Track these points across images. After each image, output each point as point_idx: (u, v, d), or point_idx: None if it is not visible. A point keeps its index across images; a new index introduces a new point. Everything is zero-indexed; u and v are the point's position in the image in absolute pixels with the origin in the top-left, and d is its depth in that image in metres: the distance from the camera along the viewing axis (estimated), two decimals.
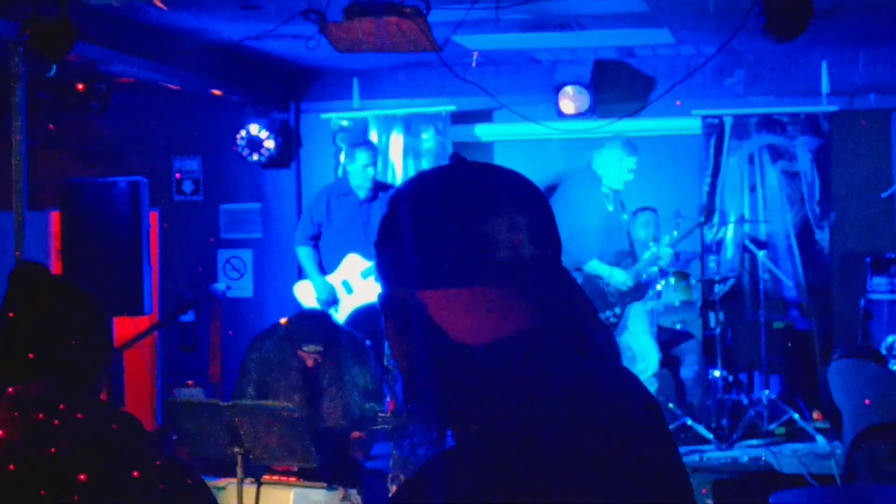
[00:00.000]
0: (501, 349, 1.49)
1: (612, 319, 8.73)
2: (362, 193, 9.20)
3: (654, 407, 1.59)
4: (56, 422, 2.38)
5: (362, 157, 9.24)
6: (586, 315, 1.57)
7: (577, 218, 8.70)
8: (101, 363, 2.59)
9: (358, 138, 10.15)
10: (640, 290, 8.87)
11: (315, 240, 9.37)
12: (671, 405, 9.01)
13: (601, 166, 8.82)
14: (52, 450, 2.34)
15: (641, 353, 8.80)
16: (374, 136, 10.36)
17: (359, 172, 9.21)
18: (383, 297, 1.61)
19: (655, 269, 8.98)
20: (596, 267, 8.72)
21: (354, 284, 9.14)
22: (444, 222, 1.52)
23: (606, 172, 8.81)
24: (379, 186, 9.30)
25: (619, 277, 8.72)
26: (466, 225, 1.51)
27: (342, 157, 10.30)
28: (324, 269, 9.29)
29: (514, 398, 1.48)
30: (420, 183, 1.60)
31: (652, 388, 8.73)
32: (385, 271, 1.60)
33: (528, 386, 1.49)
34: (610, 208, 8.88)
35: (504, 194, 1.55)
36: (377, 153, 9.62)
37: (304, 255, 9.37)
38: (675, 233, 9.03)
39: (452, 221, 1.52)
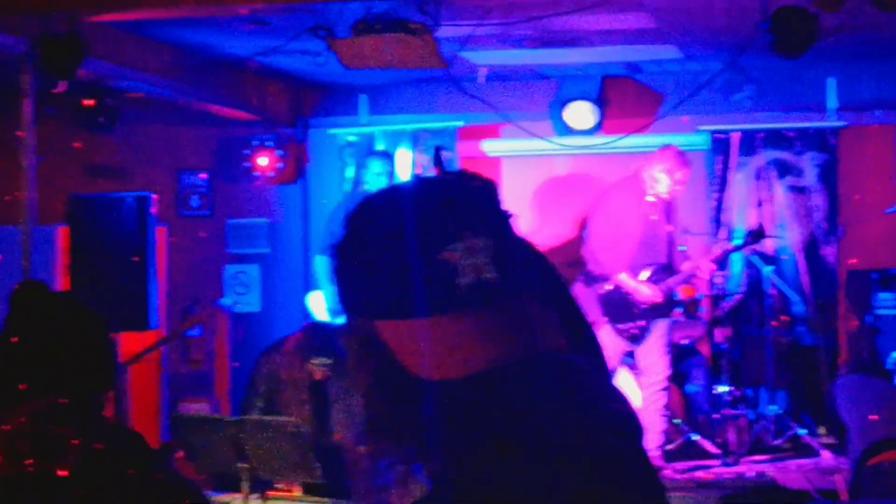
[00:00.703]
0: (465, 385, 1.37)
1: (634, 331, 8.68)
2: None
3: (632, 438, 1.44)
4: (58, 439, 2.39)
5: (375, 166, 9.43)
6: (567, 336, 1.44)
7: (612, 227, 8.63)
8: (103, 379, 2.60)
9: (372, 149, 10.21)
10: (668, 306, 8.81)
11: None
12: (677, 420, 8.99)
13: (650, 175, 8.72)
14: (54, 466, 2.35)
15: (650, 368, 8.77)
16: None
17: (372, 181, 9.34)
18: (344, 325, 1.50)
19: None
20: (624, 280, 8.65)
21: None
22: (396, 248, 1.39)
23: (655, 181, 8.72)
24: None
25: (644, 294, 8.65)
26: (421, 251, 1.38)
27: (348, 172, 10.34)
28: None
29: (482, 439, 1.37)
30: (372, 204, 1.47)
31: (659, 403, 8.71)
32: (342, 297, 1.48)
33: (496, 425, 1.37)
34: (654, 218, 8.74)
35: (461, 215, 1.41)
36: (392, 163, 9.68)
37: (321, 263, 9.39)
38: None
39: (406, 248, 1.39)
